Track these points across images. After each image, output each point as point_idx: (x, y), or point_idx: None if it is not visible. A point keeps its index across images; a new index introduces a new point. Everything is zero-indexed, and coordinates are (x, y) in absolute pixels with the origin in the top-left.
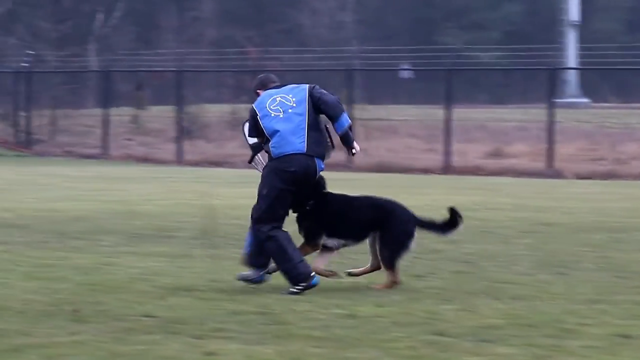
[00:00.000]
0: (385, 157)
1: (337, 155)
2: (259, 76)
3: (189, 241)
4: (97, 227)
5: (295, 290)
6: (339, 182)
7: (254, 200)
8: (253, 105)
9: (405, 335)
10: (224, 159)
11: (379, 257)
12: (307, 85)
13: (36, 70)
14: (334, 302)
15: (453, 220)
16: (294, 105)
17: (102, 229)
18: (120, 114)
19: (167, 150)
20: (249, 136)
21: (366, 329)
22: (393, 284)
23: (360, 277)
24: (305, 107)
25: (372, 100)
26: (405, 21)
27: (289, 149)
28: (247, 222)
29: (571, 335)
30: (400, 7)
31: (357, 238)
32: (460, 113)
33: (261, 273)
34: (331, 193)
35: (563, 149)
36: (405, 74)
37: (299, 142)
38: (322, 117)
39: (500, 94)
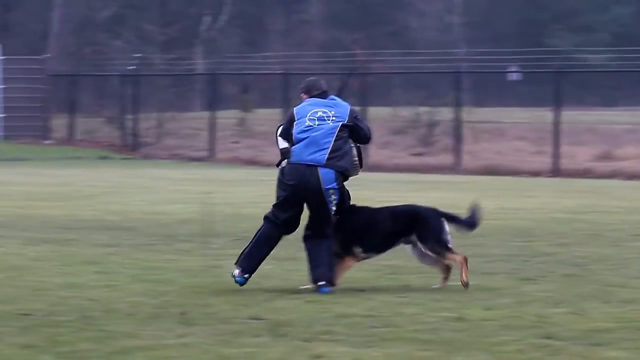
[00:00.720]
0: (493, 159)
1: (445, 158)
2: (307, 79)
3: (295, 244)
4: (204, 229)
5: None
6: (446, 185)
7: (362, 204)
8: (294, 109)
9: (514, 338)
10: None
11: (431, 253)
12: (349, 107)
13: (143, 73)
14: (443, 305)
15: (473, 217)
16: (331, 121)
17: (209, 231)
18: (227, 117)
19: (273, 153)
20: (281, 138)
21: (475, 332)
22: (462, 261)
23: (448, 281)
24: (341, 123)
25: (480, 102)
26: (513, 23)
27: (300, 158)
28: None
29: None
30: (508, 9)
31: (380, 249)
32: (569, 115)
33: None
34: (355, 206)
35: None
36: (514, 76)
37: (320, 153)
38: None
39: (610, 96)
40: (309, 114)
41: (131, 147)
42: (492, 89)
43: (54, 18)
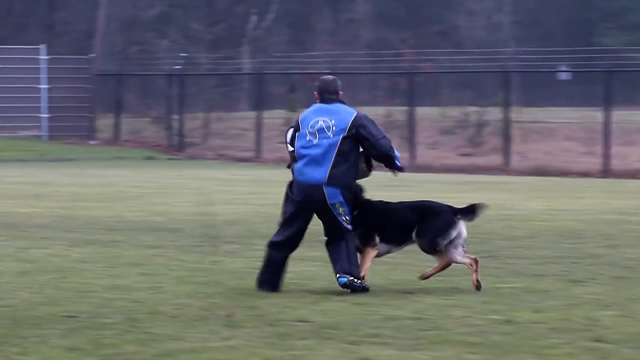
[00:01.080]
0: (542, 160)
1: (494, 158)
2: (323, 78)
3: None
4: (251, 231)
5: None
6: (494, 186)
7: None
8: (300, 116)
9: (563, 341)
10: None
11: (420, 246)
12: (353, 115)
13: (189, 72)
14: (491, 307)
15: (472, 208)
16: (332, 134)
17: (256, 232)
18: (273, 117)
19: None
20: (289, 143)
21: (523, 335)
22: (443, 266)
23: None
24: (340, 137)
25: (529, 102)
26: (562, 22)
27: (304, 178)
28: None
29: None
30: (557, 8)
31: (400, 242)
32: (620, 115)
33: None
34: (370, 200)
35: None
36: (563, 76)
37: (319, 173)
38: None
39: None
40: (310, 124)
41: (177, 147)
42: (541, 89)
43: (100, 17)
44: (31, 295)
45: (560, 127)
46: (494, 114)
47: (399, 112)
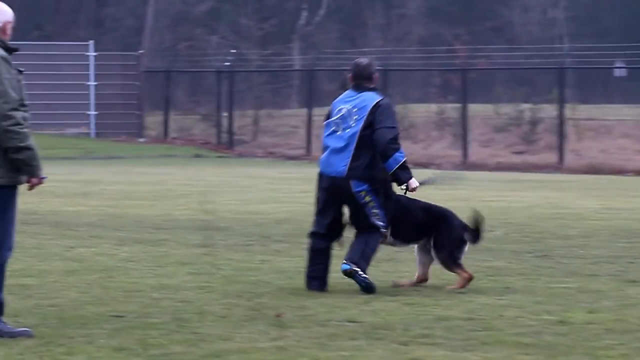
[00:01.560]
0: (598, 158)
1: (548, 156)
2: (357, 61)
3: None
4: (300, 229)
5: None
6: (549, 184)
7: (462, 203)
8: (333, 103)
9: (618, 342)
10: (430, 160)
11: (438, 261)
12: (375, 100)
13: (239, 69)
14: (544, 307)
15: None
16: (353, 123)
17: (306, 231)
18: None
19: None
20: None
21: (578, 336)
22: (466, 281)
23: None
24: (361, 126)
25: (585, 99)
26: (619, 17)
27: (326, 171)
28: None
29: None
30: (614, 3)
31: (407, 240)
32: None
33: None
34: (393, 193)
35: None
36: (620, 72)
37: (341, 165)
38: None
39: None
40: (335, 111)
41: (226, 145)
42: (597, 85)
43: (149, 13)
44: (78, 295)
45: (616, 124)
46: (548, 111)
47: (451, 109)
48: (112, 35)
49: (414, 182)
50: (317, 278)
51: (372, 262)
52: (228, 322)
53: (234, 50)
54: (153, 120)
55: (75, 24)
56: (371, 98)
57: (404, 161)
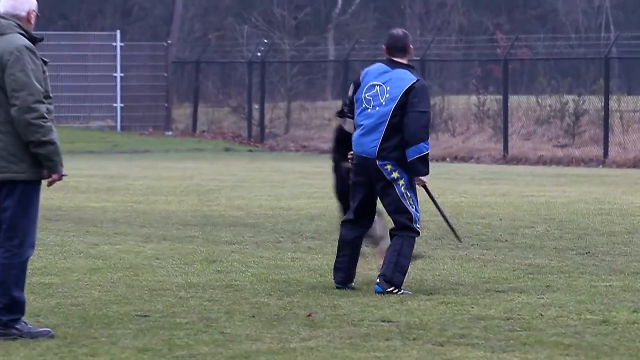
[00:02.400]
0: None
1: (592, 149)
2: (392, 32)
3: (430, 241)
4: (333, 226)
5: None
6: (593, 179)
7: (502, 198)
8: (363, 72)
9: None
10: (469, 154)
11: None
12: (410, 81)
13: (271, 60)
14: (586, 306)
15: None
16: (384, 101)
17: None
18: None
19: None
20: (349, 98)
21: (621, 337)
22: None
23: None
24: (393, 106)
25: (631, 90)
26: None
27: (359, 150)
28: (494, 221)
29: None
30: None
31: None
32: None
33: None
34: None
35: None
36: None
37: (371, 145)
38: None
39: None
40: (365, 89)
41: (257, 138)
42: None
43: (178, 2)
44: (102, 294)
45: None
46: (592, 102)
47: (491, 100)
48: (139, 24)
49: (424, 179)
50: (341, 270)
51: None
52: (257, 322)
53: (266, 40)
54: (181, 113)
55: (101, 13)
56: (406, 77)
57: (427, 154)
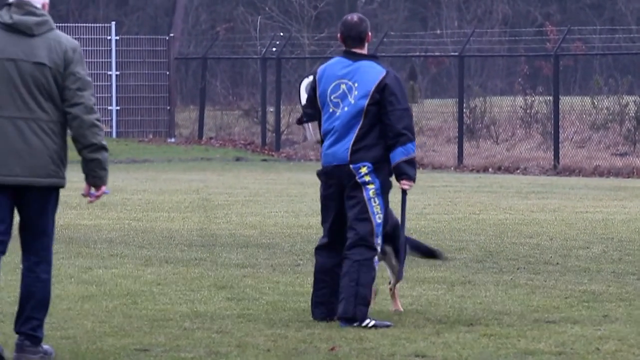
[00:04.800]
0: None
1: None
2: (345, 18)
3: (470, 264)
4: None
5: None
6: (628, 192)
7: (553, 215)
8: (319, 69)
9: None
10: (515, 164)
11: None
12: (380, 74)
13: (288, 56)
14: None
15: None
16: (354, 99)
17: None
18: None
19: (446, 152)
20: (305, 94)
21: None
22: None
23: None
24: (365, 103)
25: None
26: None
27: (329, 160)
28: (543, 241)
29: None
30: None
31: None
32: None
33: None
34: None
35: None
36: None
37: (343, 149)
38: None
39: None
40: (330, 89)
41: (272, 146)
42: None
43: None
44: (95, 325)
45: None
46: None
47: (540, 102)
48: (137, 15)
49: (407, 183)
50: (321, 304)
51: (444, 286)
52: (273, 357)
53: (282, 34)
54: (186, 117)
55: (94, 2)
56: (374, 70)
57: (414, 156)
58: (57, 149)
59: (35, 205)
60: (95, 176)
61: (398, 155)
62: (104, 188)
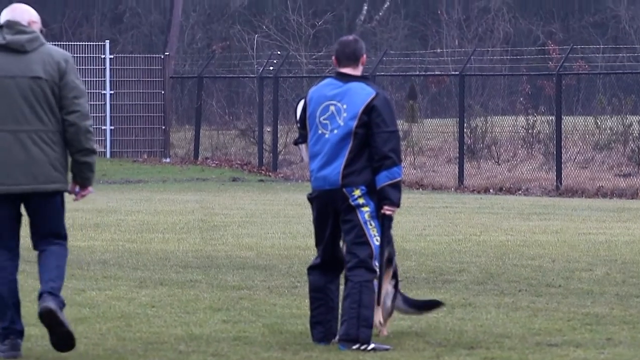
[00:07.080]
0: None
1: None
2: (342, 39)
3: (471, 286)
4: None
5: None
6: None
7: (555, 236)
8: (309, 92)
9: None
10: (516, 184)
11: None
12: (369, 95)
13: (285, 75)
14: None
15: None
16: (343, 121)
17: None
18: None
19: (446, 173)
20: (298, 120)
21: None
22: None
23: None
24: (354, 125)
25: None
26: None
27: (320, 184)
28: (545, 263)
29: None
30: None
31: None
32: None
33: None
34: None
35: None
36: None
37: (333, 174)
38: None
39: None
40: (319, 111)
41: (269, 166)
42: None
43: (177, 7)
44: (88, 348)
45: None
46: None
47: (542, 122)
48: (132, 34)
49: (390, 209)
50: (320, 323)
51: (444, 308)
52: None
53: (280, 52)
54: (181, 137)
55: (87, 21)
56: (363, 92)
57: (399, 180)
58: (58, 156)
59: (43, 211)
60: (84, 177)
61: (382, 180)
62: (90, 188)
